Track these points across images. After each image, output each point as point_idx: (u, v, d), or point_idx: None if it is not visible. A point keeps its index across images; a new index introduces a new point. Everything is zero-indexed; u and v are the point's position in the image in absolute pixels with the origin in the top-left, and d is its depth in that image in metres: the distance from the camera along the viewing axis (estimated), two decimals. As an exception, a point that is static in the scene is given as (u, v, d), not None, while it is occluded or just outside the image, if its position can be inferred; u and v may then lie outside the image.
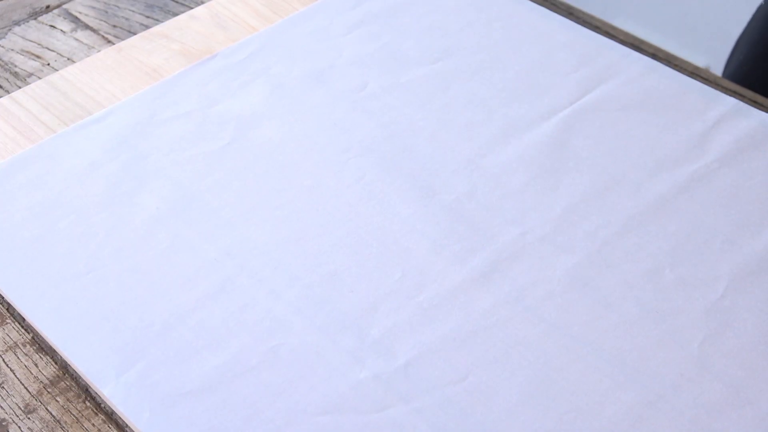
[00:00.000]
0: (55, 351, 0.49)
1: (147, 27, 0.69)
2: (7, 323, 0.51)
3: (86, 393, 0.48)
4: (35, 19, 0.71)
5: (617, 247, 0.52)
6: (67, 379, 0.48)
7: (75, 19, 0.71)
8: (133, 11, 0.71)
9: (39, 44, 0.69)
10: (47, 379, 0.48)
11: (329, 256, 0.52)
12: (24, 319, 0.51)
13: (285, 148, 0.58)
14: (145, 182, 0.56)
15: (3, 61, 0.68)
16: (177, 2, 0.72)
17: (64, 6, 0.72)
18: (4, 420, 0.46)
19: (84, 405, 0.47)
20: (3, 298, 0.52)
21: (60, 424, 0.46)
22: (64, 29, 0.70)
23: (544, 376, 0.46)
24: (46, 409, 0.47)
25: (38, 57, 0.68)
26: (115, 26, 0.70)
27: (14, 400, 0.47)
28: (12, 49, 0.68)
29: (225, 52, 0.65)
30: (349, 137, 0.58)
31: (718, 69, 0.87)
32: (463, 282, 0.50)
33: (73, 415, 0.47)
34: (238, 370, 0.47)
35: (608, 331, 0.48)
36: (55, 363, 0.49)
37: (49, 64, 0.67)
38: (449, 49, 0.64)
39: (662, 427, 0.44)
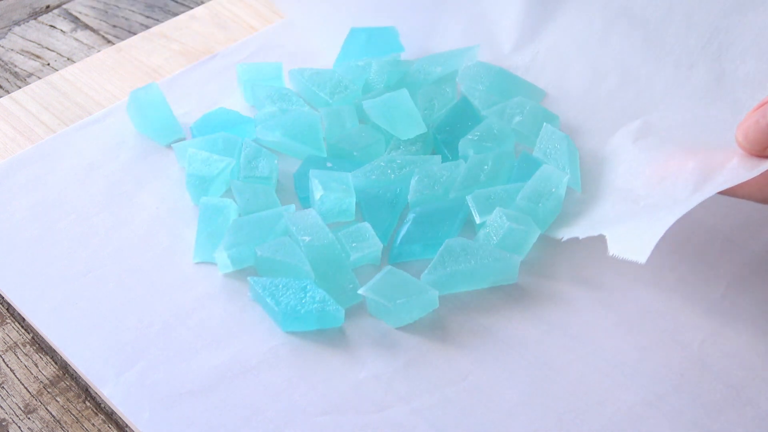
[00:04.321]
0: (55, 351, 0.49)
1: (147, 27, 0.69)
2: (7, 323, 0.51)
3: (86, 393, 0.48)
4: (35, 19, 0.71)
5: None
6: (67, 379, 0.48)
7: (75, 19, 0.71)
8: (133, 11, 0.71)
9: (39, 44, 0.69)
10: (47, 379, 0.48)
11: (329, 256, 0.52)
12: (24, 319, 0.51)
13: (285, 148, 0.58)
14: (145, 182, 0.56)
15: (3, 61, 0.68)
16: (177, 2, 0.72)
17: (64, 6, 0.72)
18: (4, 420, 0.46)
19: (84, 405, 0.47)
20: (3, 298, 0.52)
21: (60, 424, 0.46)
22: (64, 29, 0.70)
23: (544, 376, 0.46)
24: (46, 409, 0.47)
25: (38, 57, 0.68)
26: (115, 26, 0.70)
27: (14, 400, 0.47)
28: (12, 49, 0.68)
29: (225, 52, 0.65)
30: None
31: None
32: (463, 282, 0.50)
33: (73, 415, 0.47)
34: (237, 370, 0.47)
35: (608, 331, 0.48)
36: (55, 363, 0.49)
37: (49, 64, 0.67)
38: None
39: (662, 427, 0.44)
